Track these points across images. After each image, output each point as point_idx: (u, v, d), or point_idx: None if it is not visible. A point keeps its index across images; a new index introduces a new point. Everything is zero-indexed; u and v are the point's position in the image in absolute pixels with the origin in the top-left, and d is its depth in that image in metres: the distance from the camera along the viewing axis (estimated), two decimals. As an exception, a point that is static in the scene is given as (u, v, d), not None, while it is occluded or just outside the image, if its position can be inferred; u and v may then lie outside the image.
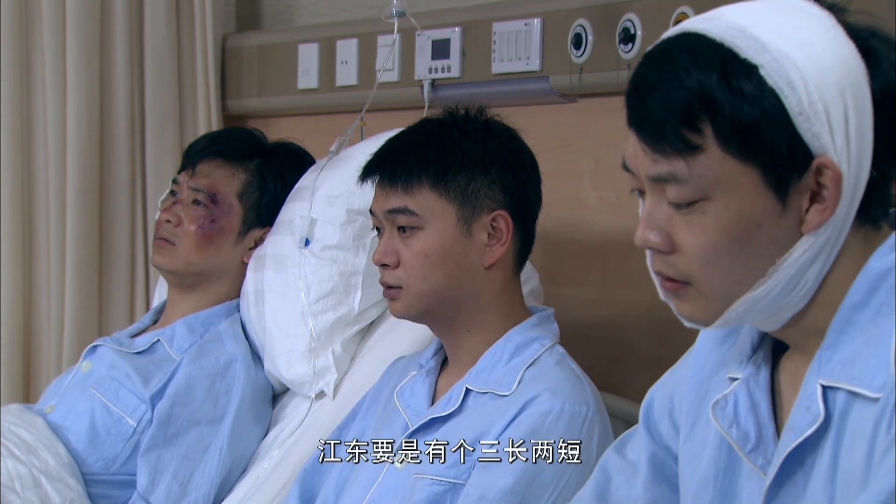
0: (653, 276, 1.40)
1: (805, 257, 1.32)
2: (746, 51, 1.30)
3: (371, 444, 2.05)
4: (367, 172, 2.06)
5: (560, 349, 2.01)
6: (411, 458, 1.96)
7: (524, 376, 1.94)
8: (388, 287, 2.03)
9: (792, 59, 1.30)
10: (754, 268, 1.33)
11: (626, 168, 1.39)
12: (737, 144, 1.30)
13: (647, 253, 1.39)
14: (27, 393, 3.15)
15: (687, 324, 1.40)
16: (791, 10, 1.35)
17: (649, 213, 1.37)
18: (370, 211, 2.07)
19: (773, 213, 1.32)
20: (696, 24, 1.35)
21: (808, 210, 1.32)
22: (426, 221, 2.00)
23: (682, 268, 1.36)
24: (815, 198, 1.32)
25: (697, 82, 1.30)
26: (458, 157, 2.00)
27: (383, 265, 2.02)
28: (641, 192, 1.39)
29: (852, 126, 1.31)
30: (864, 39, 1.34)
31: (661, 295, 1.40)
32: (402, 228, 2.01)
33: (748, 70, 1.30)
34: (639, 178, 1.37)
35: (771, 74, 1.30)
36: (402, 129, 2.14)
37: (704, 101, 1.30)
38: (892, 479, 1.21)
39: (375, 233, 2.10)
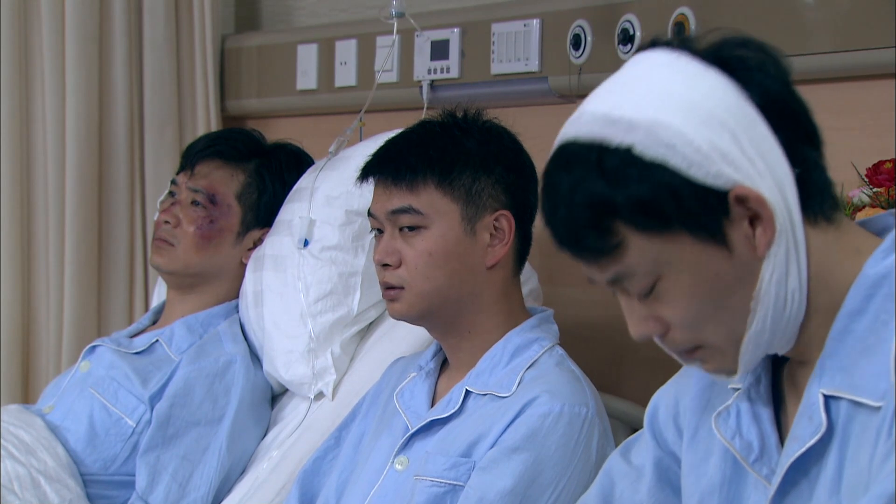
0: (673, 355, 1.42)
1: (776, 276, 1.32)
2: (615, 137, 1.31)
3: (371, 446, 2.05)
4: (368, 172, 2.05)
5: (560, 350, 2.01)
6: (412, 461, 1.96)
7: (524, 378, 1.94)
8: (389, 287, 2.02)
9: (660, 122, 1.30)
10: (739, 308, 1.34)
11: (591, 280, 1.41)
12: (650, 225, 1.31)
13: (656, 339, 1.40)
14: (26, 393, 3.15)
15: (722, 379, 1.41)
16: (641, 72, 1.35)
17: (629, 310, 1.39)
18: (369, 213, 2.06)
19: (722, 259, 1.32)
20: (567, 131, 1.36)
21: (754, 235, 1.32)
22: (431, 220, 1.99)
23: (682, 339, 1.38)
24: (754, 221, 1.32)
25: (585, 194, 1.32)
26: (461, 155, 2.00)
27: (385, 265, 2.01)
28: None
29: (747, 144, 1.30)
30: (725, 56, 1.34)
31: (687, 365, 1.42)
32: (403, 228, 2.00)
33: (623, 155, 1.30)
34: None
35: (647, 147, 1.30)
36: (401, 129, 2.14)
37: (599, 206, 1.31)
38: (892, 483, 1.20)
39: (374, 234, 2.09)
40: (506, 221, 2.00)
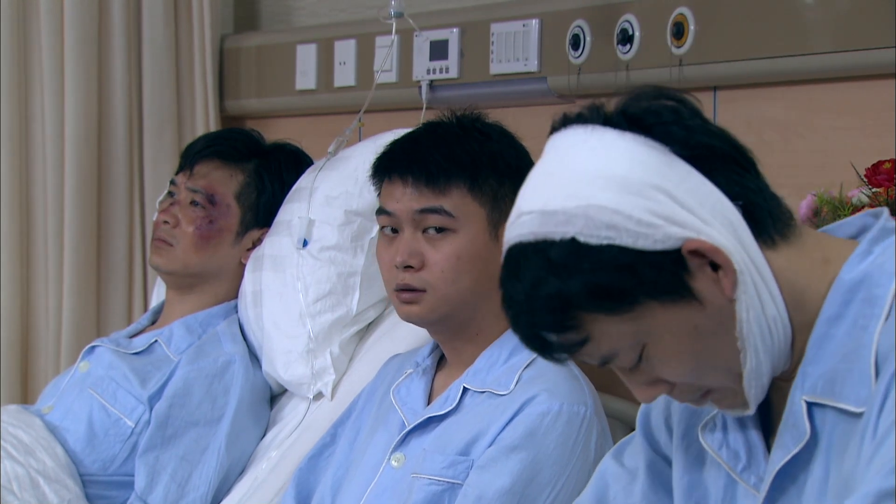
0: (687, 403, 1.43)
1: (753, 312, 1.32)
2: (556, 231, 1.31)
3: (367, 442, 2.04)
4: (391, 169, 1.99)
5: (558, 350, 2.00)
6: (408, 458, 1.95)
7: (522, 376, 1.93)
8: (408, 290, 1.97)
9: (595, 205, 1.29)
10: (729, 350, 1.34)
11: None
12: (616, 307, 1.31)
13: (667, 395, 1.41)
14: (25, 393, 3.15)
15: (736, 415, 1.41)
16: (561, 158, 1.35)
17: (629, 381, 1.39)
18: (384, 210, 2.00)
19: (697, 312, 1.32)
20: (509, 235, 1.36)
21: (719, 278, 1.32)
22: (461, 223, 1.96)
23: (688, 391, 1.38)
24: (715, 266, 1.31)
25: (542, 297, 1.31)
26: (488, 158, 1.97)
27: (407, 267, 1.97)
28: None
29: (684, 198, 1.30)
30: (638, 115, 1.33)
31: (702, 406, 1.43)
32: (428, 229, 1.96)
33: (569, 247, 1.30)
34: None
35: (590, 235, 1.29)
36: (400, 129, 2.13)
37: (558, 304, 1.31)
38: (878, 483, 1.20)
39: (374, 233, 2.07)
40: None
